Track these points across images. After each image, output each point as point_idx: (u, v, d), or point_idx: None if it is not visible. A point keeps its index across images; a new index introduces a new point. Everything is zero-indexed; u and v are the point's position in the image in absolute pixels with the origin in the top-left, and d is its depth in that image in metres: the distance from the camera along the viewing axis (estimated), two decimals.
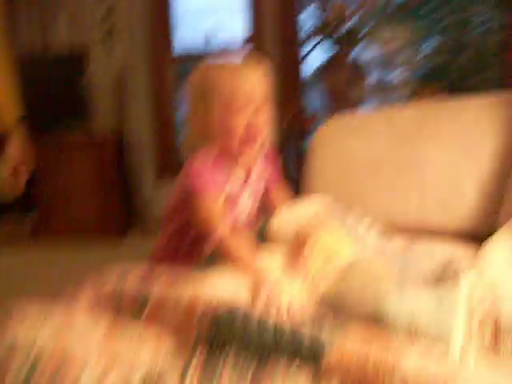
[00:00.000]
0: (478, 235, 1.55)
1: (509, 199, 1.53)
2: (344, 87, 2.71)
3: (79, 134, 4.28)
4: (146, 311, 0.85)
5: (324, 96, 2.83)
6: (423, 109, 1.91)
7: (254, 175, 1.50)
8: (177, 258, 1.48)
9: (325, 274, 1.14)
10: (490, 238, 1.17)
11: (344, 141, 1.94)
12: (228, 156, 1.42)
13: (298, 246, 1.24)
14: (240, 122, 1.36)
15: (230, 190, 1.43)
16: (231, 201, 1.42)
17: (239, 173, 1.46)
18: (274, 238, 1.35)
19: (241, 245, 1.26)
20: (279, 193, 1.60)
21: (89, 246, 3.87)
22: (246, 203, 1.48)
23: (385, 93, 4.79)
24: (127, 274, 0.97)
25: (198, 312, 0.79)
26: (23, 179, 2.12)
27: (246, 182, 1.48)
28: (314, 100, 3.69)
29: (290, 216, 1.39)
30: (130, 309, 0.87)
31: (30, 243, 4.00)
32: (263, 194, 1.57)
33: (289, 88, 3.50)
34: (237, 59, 1.44)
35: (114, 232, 4.04)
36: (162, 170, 4.30)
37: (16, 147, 2.04)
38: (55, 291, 2.65)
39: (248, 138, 1.38)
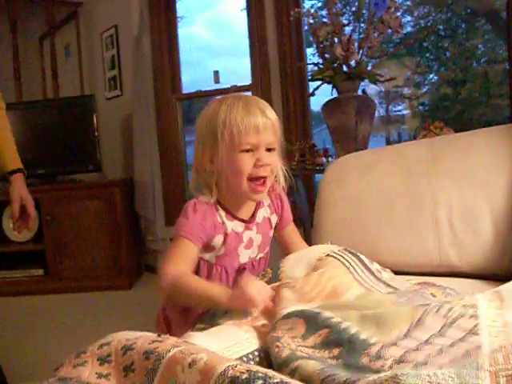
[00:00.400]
0: (495, 274, 1.52)
1: None
2: (352, 122, 2.69)
3: (88, 180, 4.30)
4: (160, 371, 0.81)
5: (331, 132, 2.82)
6: (433, 145, 1.89)
7: (260, 214, 1.48)
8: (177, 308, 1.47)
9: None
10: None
11: (354, 178, 1.92)
12: (235, 194, 1.40)
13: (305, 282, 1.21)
14: (249, 161, 1.33)
15: (233, 229, 1.41)
16: (234, 239, 1.41)
17: (246, 211, 1.45)
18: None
19: (195, 279, 1.29)
20: (291, 235, 1.58)
21: (97, 295, 3.84)
22: (255, 242, 1.45)
23: (392, 126, 4.80)
24: (136, 335, 0.93)
25: (216, 373, 0.76)
26: (29, 228, 2.11)
27: (251, 221, 1.45)
28: (322, 135, 3.69)
29: (299, 259, 1.36)
30: (142, 369, 0.83)
31: (39, 290, 3.98)
32: (275, 234, 1.56)
33: (297, 124, 3.53)
34: (246, 98, 1.39)
35: (124, 280, 4.00)
36: (171, 216, 4.28)
37: (16, 200, 2.03)
38: (62, 344, 2.63)
39: (256, 177, 1.35)
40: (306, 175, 3.39)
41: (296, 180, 3.10)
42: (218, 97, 1.42)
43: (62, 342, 2.88)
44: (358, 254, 1.36)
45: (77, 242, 4.02)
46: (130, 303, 3.59)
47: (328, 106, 2.82)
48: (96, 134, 4.18)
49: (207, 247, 1.39)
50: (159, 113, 4.27)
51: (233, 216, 1.42)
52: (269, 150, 1.35)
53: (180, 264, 1.30)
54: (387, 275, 1.37)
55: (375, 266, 1.37)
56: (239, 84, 4.07)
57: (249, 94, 3.95)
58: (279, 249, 1.60)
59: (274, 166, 1.38)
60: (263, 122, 1.33)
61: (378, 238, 1.76)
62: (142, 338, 0.90)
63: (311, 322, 0.98)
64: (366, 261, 1.36)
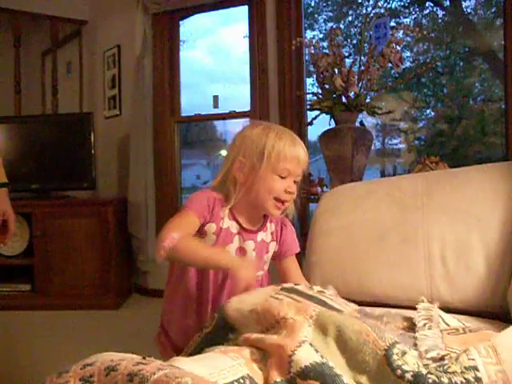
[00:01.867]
0: (487, 312, 1.51)
1: None
2: (348, 154, 2.70)
3: (82, 197, 4.29)
4: None
5: (328, 162, 2.83)
6: (428, 178, 1.90)
7: (260, 236, 1.58)
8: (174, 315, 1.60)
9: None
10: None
11: (348, 210, 1.92)
12: (250, 206, 1.55)
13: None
14: (281, 185, 1.50)
15: (229, 227, 1.54)
16: (225, 235, 1.53)
17: (248, 224, 1.56)
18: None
19: (195, 242, 1.44)
20: (290, 267, 1.68)
21: (84, 313, 3.81)
22: (247, 256, 1.55)
23: (388, 159, 4.82)
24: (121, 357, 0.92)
25: None
26: (5, 243, 2.11)
27: (248, 232, 1.56)
28: (319, 165, 3.70)
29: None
30: None
31: (26, 306, 3.93)
32: (275, 263, 1.67)
33: None
34: (289, 131, 1.56)
35: (112, 299, 3.97)
36: None
37: None
38: (45, 361, 2.60)
39: (280, 201, 1.51)
40: (300, 204, 3.39)
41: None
42: (257, 121, 1.67)
43: (45, 360, 2.84)
44: (294, 286, 1.34)
45: (66, 259, 3.98)
46: (116, 323, 3.55)
47: (325, 135, 2.84)
48: (92, 151, 4.17)
49: (201, 231, 1.51)
50: (157, 134, 4.27)
51: (234, 218, 1.55)
52: (295, 181, 1.53)
53: (182, 229, 1.43)
54: (329, 293, 1.37)
55: (316, 289, 1.37)
56: (238, 110, 4.09)
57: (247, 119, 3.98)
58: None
59: (294, 195, 1.54)
60: (303, 155, 1.52)
61: (370, 270, 1.76)
62: (127, 360, 0.89)
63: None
64: (305, 289, 1.34)
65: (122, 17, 4.38)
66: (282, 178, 1.50)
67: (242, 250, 1.55)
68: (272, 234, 1.62)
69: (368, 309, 1.36)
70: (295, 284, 1.36)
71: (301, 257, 1.79)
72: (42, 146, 4.26)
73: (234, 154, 1.55)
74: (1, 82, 4.81)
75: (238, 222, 1.55)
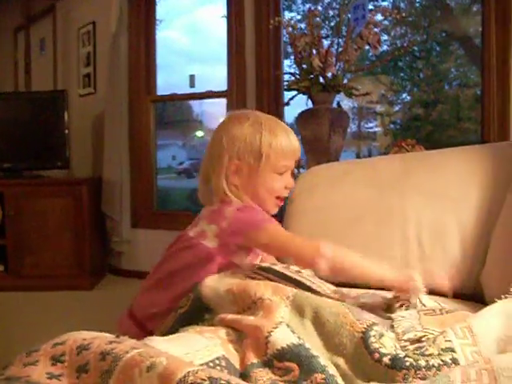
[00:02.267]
0: (462, 293, 1.52)
1: (491, 258, 1.50)
2: (325, 135, 2.70)
3: (55, 176, 4.24)
4: (116, 373, 0.78)
5: (304, 143, 2.82)
6: (404, 160, 1.90)
7: None
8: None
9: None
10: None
11: (324, 190, 1.92)
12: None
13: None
14: (281, 183, 1.45)
15: None
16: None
17: None
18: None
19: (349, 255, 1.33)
20: None
21: (58, 294, 3.77)
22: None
23: (363, 142, 4.83)
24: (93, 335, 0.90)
25: (176, 378, 0.73)
26: None
27: None
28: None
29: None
30: (97, 370, 0.80)
31: (0, 286, 3.88)
32: None
33: None
34: (280, 123, 1.48)
35: (86, 280, 3.94)
36: (138, 218, 4.24)
37: None
38: (17, 342, 2.58)
39: (280, 199, 1.48)
40: None
41: None
42: (240, 113, 1.49)
43: (18, 340, 2.81)
44: (272, 266, 1.30)
45: (39, 240, 3.93)
46: (90, 304, 3.52)
47: (302, 116, 2.82)
48: (66, 130, 4.11)
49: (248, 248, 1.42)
50: (132, 113, 4.22)
51: None
52: (292, 173, 1.50)
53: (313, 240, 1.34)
54: (307, 273, 1.34)
55: (294, 269, 1.34)
56: (215, 90, 4.05)
57: (224, 100, 3.94)
58: None
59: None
60: (298, 147, 1.47)
61: None
62: (100, 339, 0.87)
63: (306, 366, 0.95)
64: (282, 269, 1.30)
65: None
66: (281, 174, 1.45)
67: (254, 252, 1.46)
68: None
69: (345, 290, 1.36)
70: (272, 264, 1.34)
71: None
72: (15, 124, 4.19)
73: (225, 156, 1.43)
74: None
75: None
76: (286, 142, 1.43)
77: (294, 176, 1.57)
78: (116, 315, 1.51)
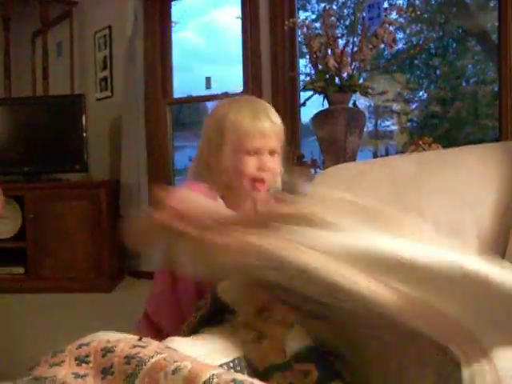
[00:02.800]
0: None
1: (509, 256, 1.49)
2: (341, 135, 2.70)
3: (74, 179, 4.28)
4: (141, 377, 0.79)
5: (321, 143, 2.82)
6: (421, 158, 1.89)
7: None
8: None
9: None
10: None
11: (342, 189, 1.91)
12: (234, 191, 1.45)
13: None
14: (251, 163, 1.39)
15: None
16: None
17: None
18: None
19: None
20: None
21: (77, 296, 3.81)
22: None
23: (380, 141, 4.82)
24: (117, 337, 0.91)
25: (201, 381, 0.74)
26: None
27: None
28: (311, 147, 3.69)
29: None
30: (122, 373, 0.81)
31: (19, 289, 3.93)
32: None
33: (286, 134, 3.51)
34: (254, 102, 1.46)
35: (105, 282, 3.97)
36: None
37: None
38: (39, 343, 2.60)
39: (257, 180, 1.41)
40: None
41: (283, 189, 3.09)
42: (229, 98, 1.50)
43: (38, 342, 2.84)
44: None
45: (59, 242, 3.97)
46: (109, 306, 3.55)
47: (319, 116, 2.82)
48: (84, 134, 4.15)
49: None
50: (149, 116, 4.25)
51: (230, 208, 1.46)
52: (272, 154, 1.42)
53: None
54: None
55: None
56: (231, 91, 4.06)
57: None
58: None
59: (276, 171, 1.46)
60: (269, 127, 1.40)
61: None
62: (124, 342, 0.88)
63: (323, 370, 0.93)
64: None
65: None
66: (252, 155, 1.40)
67: None
68: None
69: None
70: None
71: None
72: (34, 129, 4.24)
73: (202, 137, 1.48)
74: None
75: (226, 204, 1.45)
76: (250, 119, 1.38)
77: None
78: (135, 317, 1.53)
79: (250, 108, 1.42)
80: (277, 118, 1.44)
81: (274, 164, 1.43)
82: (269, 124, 1.40)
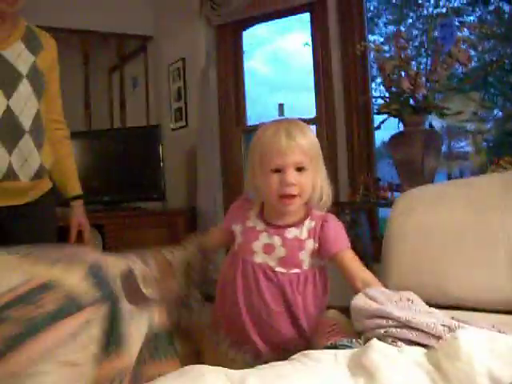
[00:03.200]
0: None
1: None
2: (418, 157, 2.67)
3: (152, 208, 4.38)
4: None
5: (397, 166, 2.80)
6: (504, 178, 1.86)
7: (292, 232, 1.53)
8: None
9: None
10: None
11: (422, 212, 1.90)
12: (271, 207, 1.55)
13: None
14: (274, 180, 1.45)
15: (253, 224, 1.58)
16: (250, 232, 1.57)
17: (278, 221, 1.55)
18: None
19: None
20: (347, 263, 1.54)
21: None
22: (276, 251, 1.52)
23: (454, 163, 4.72)
24: None
25: None
26: None
27: (276, 227, 1.54)
28: (387, 170, 3.66)
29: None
30: None
31: None
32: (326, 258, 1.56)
33: (361, 158, 3.51)
34: (284, 123, 1.49)
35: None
36: None
37: (74, 226, 2.15)
38: None
39: (285, 196, 1.46)
40: (369, 209, 3.35)
41: (359, 214, 3.08)
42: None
43: None
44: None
45: None
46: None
47: (394, 139, 2.81)
48: (161, 163, 4.26)
49: (232, 232, 1.63)
50: (223, 144, 4.32)
51: (261, 216, 1.58)
52: (299, 169, 1.45)
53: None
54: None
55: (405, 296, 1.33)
56: (304, 117, 4.09)
57: (313, 127, 3.94)
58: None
59: (304, 185, 1.47)
60: (287, 145, 1.43)
61: (447, 273, 1.73)
62: None
63: None
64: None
65: (185, 30, 4.45)
66: (276, 172, 1.45)
67: (269, 246, 1.52)
68: (309, 231, 1.53)
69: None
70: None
71: (372, 260, 1.77)
72: (112, 159, 4.38)
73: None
74: (71, 99, 4.98)
75: (264, 220, 1.55)
76: (269, 137, 1.46)
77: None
78: None
79: (273, 128, 1.48)
80: (299, 134, 1.45)
81: (302, 178, 1.46)
82: (286, 141, 1.43)
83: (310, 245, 1.53)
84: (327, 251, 1.53)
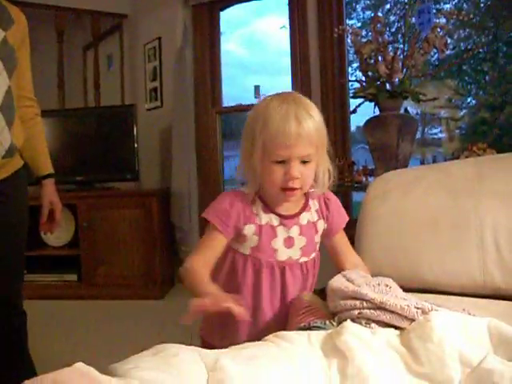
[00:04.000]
0: None
1: None
2: (393, 142, 2.68)
3: (125, 188, 4.35)
4: None
5: (372, 150, 2.81)
6: (478, 164, 1.87)
7: (305, 217, 1.45)
8: None
9: None
10: None
11: (397, 196, 1.90)
12: (269, 194, 1.42)
13: None
14: (278, 172, 1.33)
15: (268, 222, 1.42)
16: (268, 231, 1.41)
17: (286, 208, 1.44)
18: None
19: (199, 272, 1.34)
20: (341, 244, 1.55)
21: (129, 303, 3.90)
22: (297, 243, 1.43)
23: (427, 149, 4.76)
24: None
25: None
26: (52, 231, 2.18)
27: (290, 218, 1.43)
28: (360, 155, 3.68)
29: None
30: None
31: (72, 295, 4.02)
32: (324, 242, 1.53)
33: (337, 142, 3.52)
34: (289, 104, 1.32)
35: (156, 289, 4.04)
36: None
37: (46, 206, 2.11)
38: (91, 349, 2.64)
39: (287, 189, 1.35)
40: (343, 193, 3.37)
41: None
42: (275, 94, 1.39)
43: (91, 347, 2.91)
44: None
45: (111, 250, 4.05)
46: (161, 313, 3.60)
47: (370, 123, 2.82)
48: (135, 143, 4.22)
49: (240, 236, 1.41)
50: (198, 125, 4.30)
51: (270, 209, 1.42)
52: (304, 161, 1.33)
53: (200, 254, 1.39)
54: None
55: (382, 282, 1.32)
56: None
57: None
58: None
59: (307, 177, 1.36)
60: (296, 135, 1.28)
61: (421, 257, 1.74)
62: None
63: None
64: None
65: (162, 9, 4.41)
66: (280, 163, 1.32)
67: (289, 240, 1.42)
68: (317, 211, 1.47)
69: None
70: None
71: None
72: (86, 139, 4.33)
73: (242, 133, 1.41)
74: (44, 77, 4.90)
75: (275, 212, 1.42)
76: (277, 125, 1.29)
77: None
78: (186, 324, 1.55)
79: (282, 110, 1.30)
80: (309, 120, 1.31)
81: (306, 170, 1.34)
82: (296, 129, 1.29)
83: (321, 225, 1.49)
84: (333, 230, 1.52)
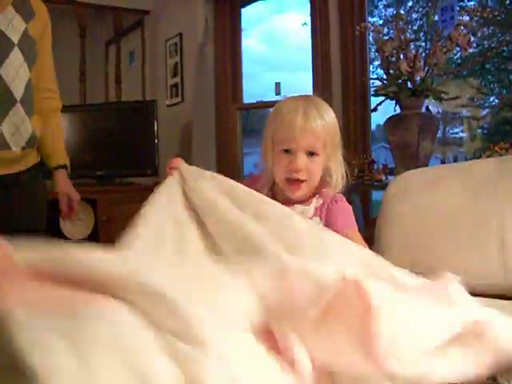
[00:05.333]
0: None
1: None
2: (414, 141, 2.67)
3: (145, 183, 4.37)
4: None
5: (393, 149, 2.79)
6: (500, 163, 1.85)
7: (299, 208, 1.48)
8: None
9: None
10: None
11: (417, 195, 1.90)
12: (279, 190, 1.50)
13: None
14: (283, 162, 1.41)
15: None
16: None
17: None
18: None
19: None
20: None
21: None
22: None
23: (448, 148, 4.72)
24: None
25: None
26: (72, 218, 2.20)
27: (288, 202, 1.45)
28: (380, 154, 3.66)
29: None
30: None
31: None
32: None
33: (357, 140, 3.50)
34: (303, 101, 1.41)
35: None
36: None
37: (63, 200, 2.12)
38: None
39: (292, 180, 1.42)
40: (363, 191, 3.36)
41: (353, 196, 3.08)
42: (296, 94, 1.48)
43: None
44: None
45: None
46: None
47: (391, 121, 2.80)
48: (156, 139, 4.24)
49: None
50: (219, 121, 4.31)
51: (272, 193, 1.51)
52: (311, 154, 1.39)
53: None
54: None
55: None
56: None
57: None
58: None
59: (313, 171, 1.41)
60: (301, 127, 1.36)
61: (441, 256, 1.74)
62: None
63: None
64: None
65: (183, 5, 4.42)
66: (287, 152, 1.40)
67: None
68: (316, 209, 1.49)
69: None
70: None
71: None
72: (106, 134, 4.35)
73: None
74: (66, 72, 4.94)
75: (274, 196, 1.48)
76: (285, 117, 1.38)
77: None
78: None
79: (292, 105, 1.40)
80: (317, 116, 1.38)
81: (312, 164, 1.40)
82: (302, 122, 1.36)
83: (316, 223, 1.47)
84: (336, 231, 1.46)
